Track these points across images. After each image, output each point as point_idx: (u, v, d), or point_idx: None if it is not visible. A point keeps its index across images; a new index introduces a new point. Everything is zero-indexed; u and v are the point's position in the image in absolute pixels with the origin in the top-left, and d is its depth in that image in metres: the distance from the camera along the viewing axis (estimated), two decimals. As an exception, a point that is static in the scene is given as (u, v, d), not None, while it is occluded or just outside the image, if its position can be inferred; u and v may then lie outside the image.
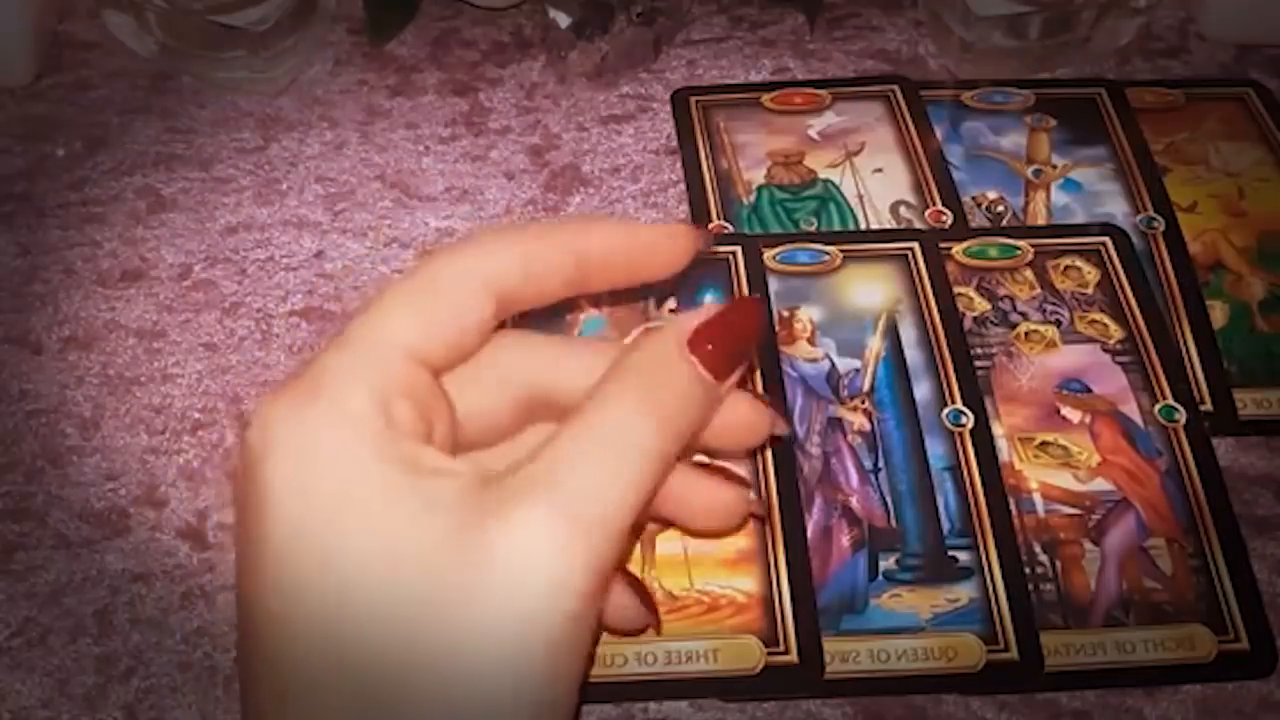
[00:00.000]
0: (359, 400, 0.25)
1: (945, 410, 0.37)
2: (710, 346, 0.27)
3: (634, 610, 0.30)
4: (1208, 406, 0.38)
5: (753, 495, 0.31)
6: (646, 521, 0.33)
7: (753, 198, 0.44)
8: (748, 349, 0.29)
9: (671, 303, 0.40)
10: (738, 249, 0.41)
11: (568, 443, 0.25)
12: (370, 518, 0.24)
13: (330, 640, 0.23)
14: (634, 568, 0.34)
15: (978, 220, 0.43)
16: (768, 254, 0.41)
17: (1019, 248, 0.42)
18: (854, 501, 0.36)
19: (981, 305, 0.40)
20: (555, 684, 0.24)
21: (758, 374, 0.38)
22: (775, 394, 0.38)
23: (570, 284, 0.29)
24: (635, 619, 0.30)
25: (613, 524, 0.24)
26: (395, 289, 0.27)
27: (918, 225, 0.43)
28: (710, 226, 0.43)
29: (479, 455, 0.29)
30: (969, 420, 0.37)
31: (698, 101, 0.47)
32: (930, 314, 0.40)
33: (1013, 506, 0.36)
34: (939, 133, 0.46)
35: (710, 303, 0.29)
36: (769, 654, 0.33)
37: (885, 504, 0.36)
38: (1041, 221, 0.43)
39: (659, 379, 0.27)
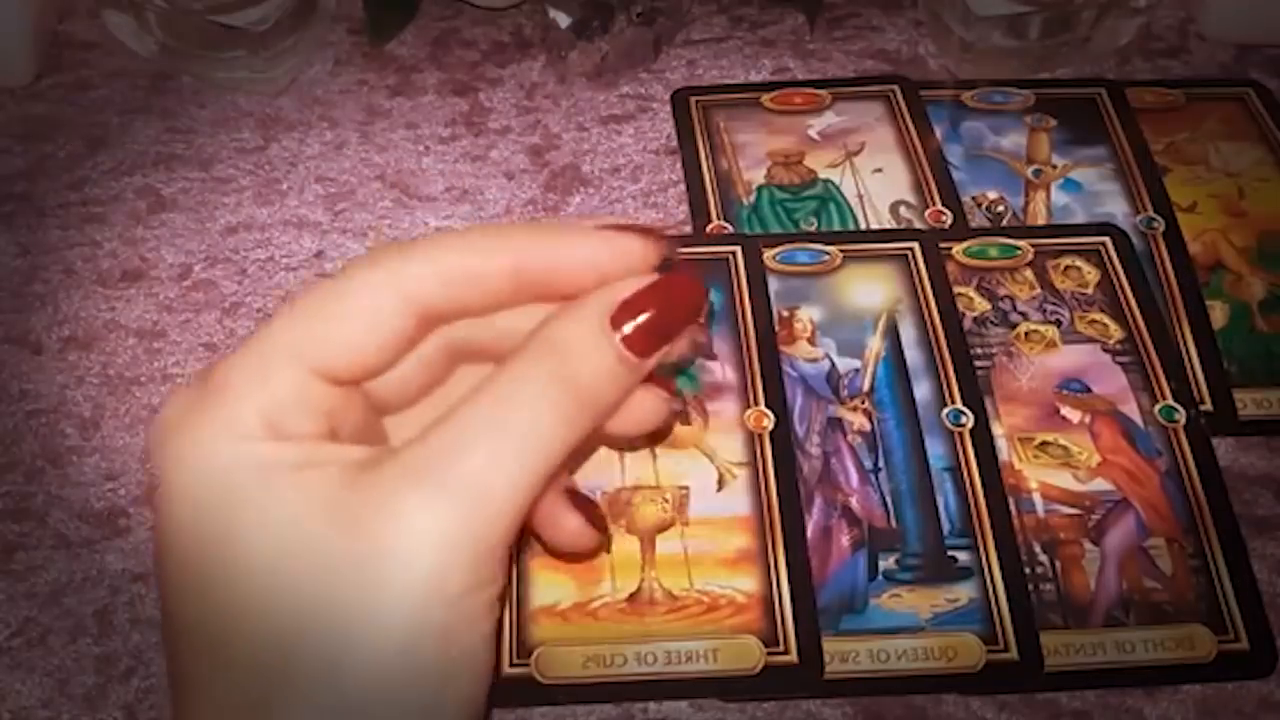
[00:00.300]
0: (246, 415, 0.25)
1: (945, 410, 0.37)
2: (637, 322, 0.26)
3: (581, 531, 0.28)
4: (1208, 406, 0.38)
5: (600, 534, 0.29)
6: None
7: (753, 198, 0.44)
8: (678, 328, 0.27)
9: (671, 303, 0.40)
10: (738, 249, 0.41)
11: (461, 423, 0.24)
12: (254, 526, 0.24)
13: (222, 636, 0.24)
14: (633, 568, 0.34)
15: (978, 220, 0.43)
16: (768, 254, 0.41)
17: (1019, 248, 0.42)
18: (854, 501, 0.36)
19: (981, 305, 0.40)
20: (450, 668, 0.24)
21: (758, 374, 0.38)
22: (775, 394, 0.38)
23: (506, 295, 0.27)
24: (584, 539, 0.29)
25: (501, 508, 0.24)
26: (307, 299, 0.26)
27: (918, 225, 0.43)
28: (710, 227, 0.43)
29: (406, 414, 0.29)
30: (969, 420, 0.37)
31: (698, 101, 0.47)
32: (930, 314, 0.40)
33: (1013, 506, 0.36)
34: (939, 133, 0.46)
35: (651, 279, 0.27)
36: (769, 654, 0.33)
37: (885, 504, 0.36)
38: (1041, 221, 0.43)
39: (575, 355, 0.26)
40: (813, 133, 0.46)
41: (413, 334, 0.27)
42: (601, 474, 0.36)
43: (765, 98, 0.47)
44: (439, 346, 0.28)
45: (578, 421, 0.25)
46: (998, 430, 0.37)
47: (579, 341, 0.26)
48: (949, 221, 0.43)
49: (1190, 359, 0.39)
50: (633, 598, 0.34)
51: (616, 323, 0.26)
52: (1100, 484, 0.36)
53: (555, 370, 0.25)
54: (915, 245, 0.41)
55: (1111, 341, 0.39)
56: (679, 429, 0.37)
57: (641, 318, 0.26)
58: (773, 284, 0.40)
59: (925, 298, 0.40)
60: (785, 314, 0.40)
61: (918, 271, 0.41)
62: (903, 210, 0.43)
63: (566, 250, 0.27)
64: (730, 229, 0.43)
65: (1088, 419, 0.38)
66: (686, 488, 0.36)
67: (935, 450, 0.37)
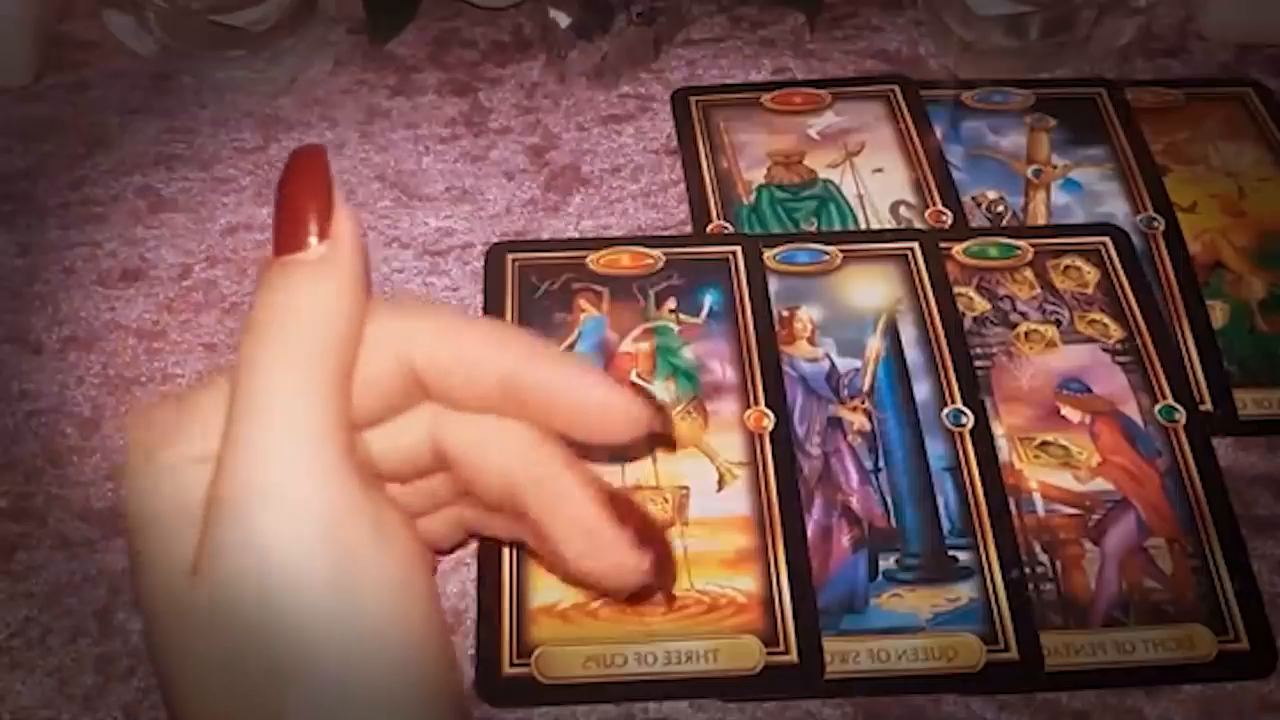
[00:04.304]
0: (210, 438, 0.24)
1: (945, 410, 0.37)
2: (287, 229, 0.25)
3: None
4: (1208, 406, 0.38)
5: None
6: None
7: (753, 198, 0.44)
8: (319, 202, 0.26)
9: (672, 302, 0.40)
10: (738, 249, 0.41)
11: (229, 428, 0.24)
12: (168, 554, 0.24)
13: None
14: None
15: (978, 220, 0.43)
16: (768, 254, 0.41)
17: (1019, 248, 0.42)
18: (854, 501, 0.36)
19: (981, 305, 0.40)
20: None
21: (758, 374, 0.38)
22: (775, 394, 0.38)
23: (489, 404, 0.26)
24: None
25: (302, 476, 0.24)
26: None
27: (918, 225, 0.43)
28: (710, 226, 0.43)
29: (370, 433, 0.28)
30: (969, 420, 0.37)
31: (698, 101, 0.47)
32: (930, 314, 0.40)
33: (1013, 506, 0.36)
34: (939, 133, 0.46)
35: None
36: (769, 654, 0.33)
37: (885, 504, 0.36)
38: (1041, 221, 0.43)
39: (276, 313, 0.25)
40: (813, 133, 0.46)
41: (399, 394, 0.26)
42: (601, 473, 0.36)
43: (765, 98, 0.47)
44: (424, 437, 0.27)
45: (322, 363, 0.24)
46: (998, 430, 0.37)
47: (269, 297, 0.25)
48: (949, 221, 0.43)
49: (1190, 359, 0.39)
50: (633, 598, 0.34)
51: (279, 251, 0.25)
52: (1100, 484, 0.36)
53: (274, 346, 0.24)
54: (915, 245, 0.41)
55: (1111, 341, 0.39)
56: (679, 428, 0.37)
57: (286, 224, 0.25)
58: (773, 284, 0.40)
59: (925, 298, 0.40)
60: (785, 314, 0.40)
61: (918, 271, 0.41)
62: (903, 210, 0.43)
63: (565, 389, 0.26)
64: (730, 229, 0.43)
65: (1088, 419, 0.38)
66: (686, 488, 0.36)
67: (935, 450, 0.37)
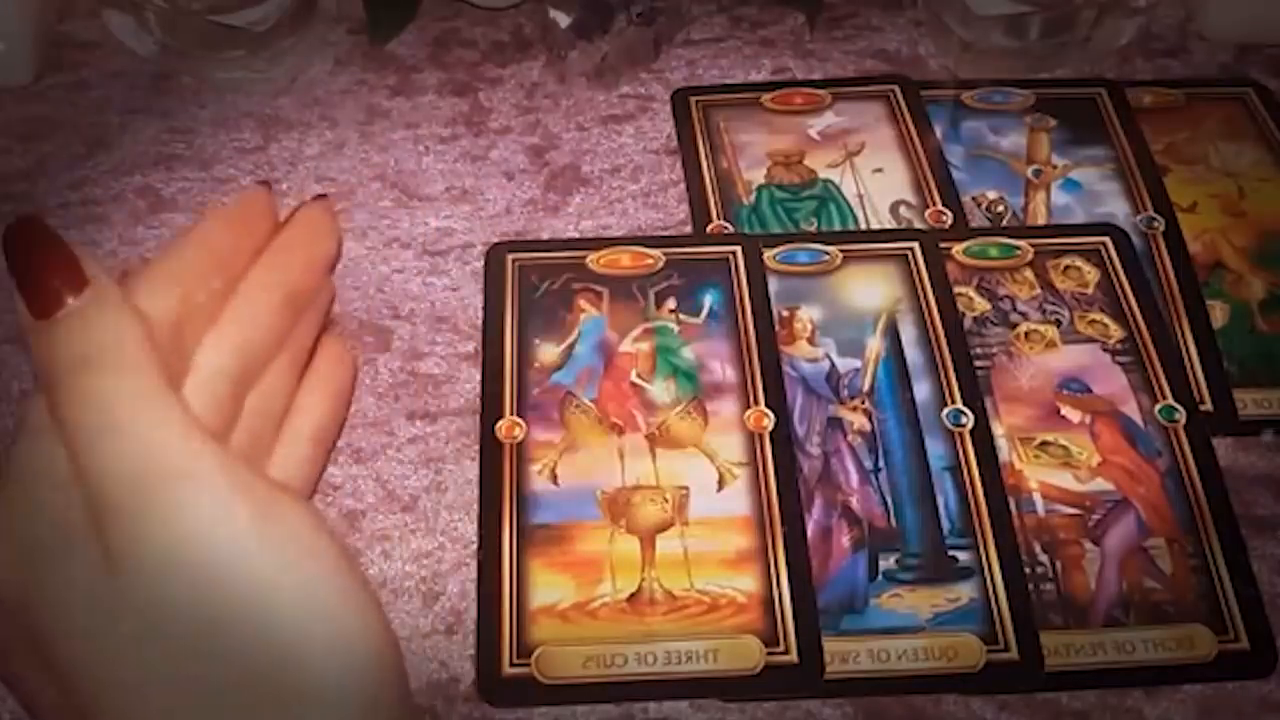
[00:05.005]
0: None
1: (945, 410, 0.37)
2: (42, 300, 0.26)
3: None
4: (1208, 406, 0.38)
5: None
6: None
7: (753, 198, 0.44)
8: (60, 269, 0.26)
9: (671, 302, 0.40)
10: (738, 249, 0.41)
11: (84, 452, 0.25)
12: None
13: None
14: (634, 568, 0.34)
15: (978, 220, 0.43)
16: (768, 254, 0.41)
17: (1019, 248, 0.42)
18: (854, 501, 0.36)
19: (981, 305, 0.40)
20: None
21: (758, 374, 0.38)
22: (775, 394, 0.38)
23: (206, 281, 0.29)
24: None
25: (189, 455, 0.25)
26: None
27: (918, 225, 0.43)
28: (710, 226, 0.43)
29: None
30: (969, 420, 0.37)
31: (698, 101, 0.47)
32: (930, 314, 0.40)
33: (1013, 506, 0.36)
34: (939, 133, 0.46)
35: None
36: (769, 654, 0.33)
37: (885, 504, 0.36)
38: (1041, 221, 0.43)
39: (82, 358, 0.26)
40: (813, 133, 0.46)
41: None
42: (601, 473, 0.36)
43: (765, 98, 0.47)
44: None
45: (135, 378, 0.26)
46: (998, 430, 0.37)
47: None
48: (949, 221, 0.43)
49: (1190, 359, 0.39)
50: (633, 598, 0.34)
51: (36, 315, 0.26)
52: (1100, 484, 0.36)
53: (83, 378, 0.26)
54: (915, 245, 0.41)
55: (1111, 341, 0.39)
56: (679, 428, 0.37)
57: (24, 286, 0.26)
58: (773, 284, 0.40)
59: (925, 298, 0.40)
60: (785, 314, 0.40)
61: (918, 271, 0.41)
62: (903, 210, 0.43)
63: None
64: (730, 229, 0.43)
65: (1088, 419, 0.38)
66: (686, 488, 0.36)
67: (935, 450, 0.37)
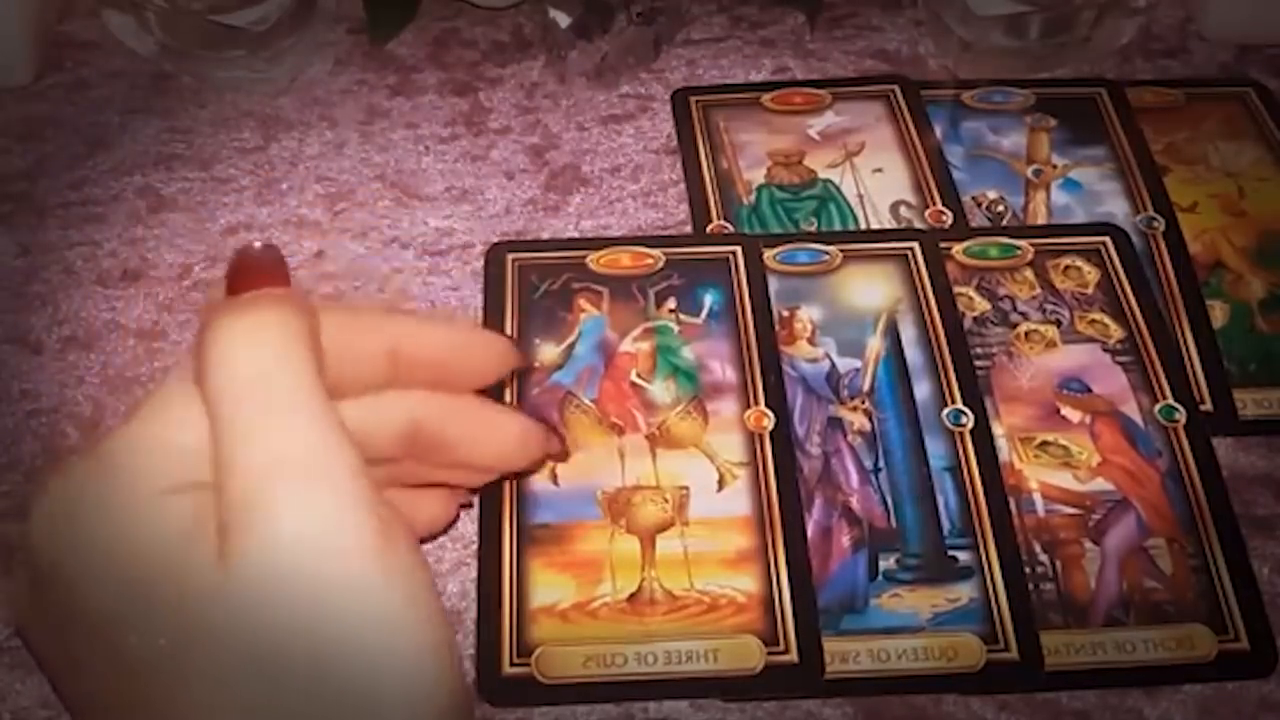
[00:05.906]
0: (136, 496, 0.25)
1: (945, 410, 0.37)
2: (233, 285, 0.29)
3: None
4: (1208, 406, 0.38)
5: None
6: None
7: (753, 198, 0.44)
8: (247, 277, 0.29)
9: (671, 302, 0.40)
10: (738, 249, 0.41)
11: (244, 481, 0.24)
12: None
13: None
14: (634, 568, 0.34)
15: (978, 220, 0.43)
16: (768, 254, 0.41)
17: (1019, 247, 0.42)
18: (854, 501, 0.36)
19: (981, 305, 0.40)
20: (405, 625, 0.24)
21: (758, 374, 0.38)
22: (775, 394, 0.38)
23: (382, 379, 0.29)
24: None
25: (337, 478, 0.24)
26: (172, 383, 0.26)
27: (918, 225, 0.43)
28: (710, 226, 0.43)
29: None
30: (969, 420, 0.37)
31: (698, 101, 0.47)
32: (930, 314, 0.40)
33: (1013, 506, 0.36)
34: (939, 133, 0.46)
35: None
36: (769, 654, 0.33)
37: (885, 504, 0.36)
38: (1041, 221, 0.43)
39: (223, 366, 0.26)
40: (813, 133, 0.46)
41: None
42: (601, 473, 0.36)
43: (765, 98, 0.47)
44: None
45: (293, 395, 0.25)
46: (998, 430, 0.37)
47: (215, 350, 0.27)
48: (949, 221, 0.43)
49: (1190, 359, 0.39)
50: (633, 598, 0.34)
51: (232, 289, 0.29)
52: (1100, 484, 0.36)
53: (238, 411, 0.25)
54: (915, 245, 0.41)
55: (1111, 341, 0.39)
56: (679, 428, 0.37)
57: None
58: (773, 284, 0.40)
59: (925, 298, 0.40)
60: (785, 314, 0.40)
61: (918, 271, 0.41)
62: (903, 210, 0.43)
63: (438, 338, 0.30)
64: (730, 229, 0.43)
65: (1088, 419, 0.38)
66: (686, 488, 0.36)
67: (935, 450, 0.37)
